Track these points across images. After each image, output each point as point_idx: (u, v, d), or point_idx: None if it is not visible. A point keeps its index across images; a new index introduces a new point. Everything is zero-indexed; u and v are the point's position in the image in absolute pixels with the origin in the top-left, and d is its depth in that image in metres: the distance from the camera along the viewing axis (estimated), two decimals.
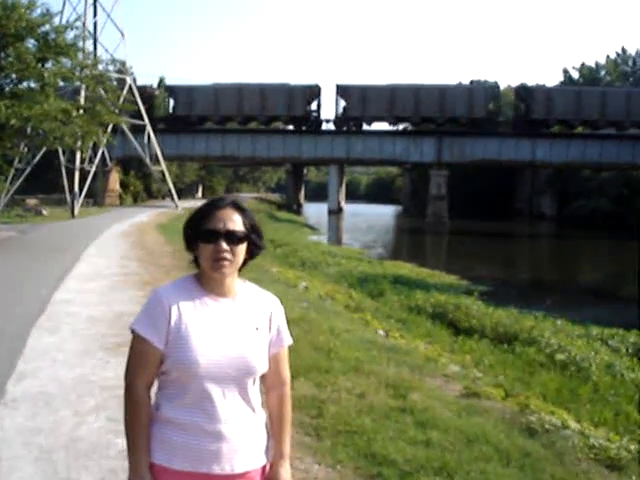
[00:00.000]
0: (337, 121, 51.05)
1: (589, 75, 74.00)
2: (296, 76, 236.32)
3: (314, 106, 51.01)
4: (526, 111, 49.34)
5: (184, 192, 60.14)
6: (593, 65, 76.32)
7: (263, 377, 2.35)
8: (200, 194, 74.11)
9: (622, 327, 14.07)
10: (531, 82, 64.80)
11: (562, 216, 60.78)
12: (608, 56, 76.33)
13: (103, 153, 43.42)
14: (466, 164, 51.28)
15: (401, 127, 54.03)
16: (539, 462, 4.72)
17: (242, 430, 2.25)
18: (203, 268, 2.27)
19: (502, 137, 48.97)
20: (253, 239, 2.29)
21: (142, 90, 50.84)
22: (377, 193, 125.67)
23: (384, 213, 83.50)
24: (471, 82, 79.43)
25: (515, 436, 5.16)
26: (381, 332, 10.18)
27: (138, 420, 2.22)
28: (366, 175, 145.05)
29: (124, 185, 52.95)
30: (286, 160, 57.50)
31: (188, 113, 50.40)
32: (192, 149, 50.14)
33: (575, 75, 76.31)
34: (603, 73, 75.06)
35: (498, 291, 21.14)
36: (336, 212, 69.15)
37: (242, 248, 2.26)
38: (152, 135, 44.23)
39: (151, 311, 2.23)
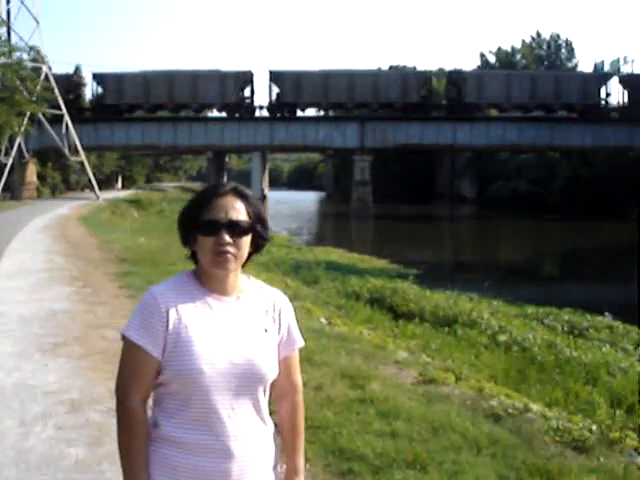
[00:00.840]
0: (271, 108, 50.54)
1: (505, 59, 75.42)
2: (228, 63, 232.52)
3: (247, 93, 50.29)
4: (458, 95, 49.80)
5: (104, 183, 58.59)
6: (509, 49, 77.91)
7: (273, 384, 2.10)
8: (120, 185, 72.48)
9: (551, 305, 14.33)
10: (449, 67, 65.39)
11: (482, 198, 61.96)
12: (523, 40, 78.02)
13: (20, 145, 41.86)
14: (389, 149, 51.61)
15: (331, 113, 53.78)
16: (509, 448, 4.63)
17: (254, 447, 2.00)
18: (202, 264, 2.02)
19: (424, 121, 49.42)
20: (258, 230, 2.04)
21: (67, 79, 49.32)
22: (300, 180, 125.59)
23: (307, 199, 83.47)
24: (390, 67, 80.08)
25: (481, 422, 5.06)
26: (323, 320, 10.02)
27: (135, 440, 1.94)
28: (288, 162, 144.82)
29: (41, 177, 51.19)
30: (208, 148, 56.69)
31: (117, 102, 48.98)
32: (111, 139, 48.83)
33: (492, 59, 77.73)
34: (519, 57, 76.64)
35: (428, 274, 21.27)
36: (260, 199, 68.59)
37: (246, 240, 2.00)
38: (70, 125, 42.90)
39: (145, 314, 1.96)
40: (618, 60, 56.09)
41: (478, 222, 50.89)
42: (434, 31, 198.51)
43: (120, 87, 48.67)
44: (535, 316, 12.96)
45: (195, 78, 48.95)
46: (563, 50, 76.40)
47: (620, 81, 50.49)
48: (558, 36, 76.60)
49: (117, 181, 72.81)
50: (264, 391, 2.04)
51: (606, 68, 58.00)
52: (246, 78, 49.60)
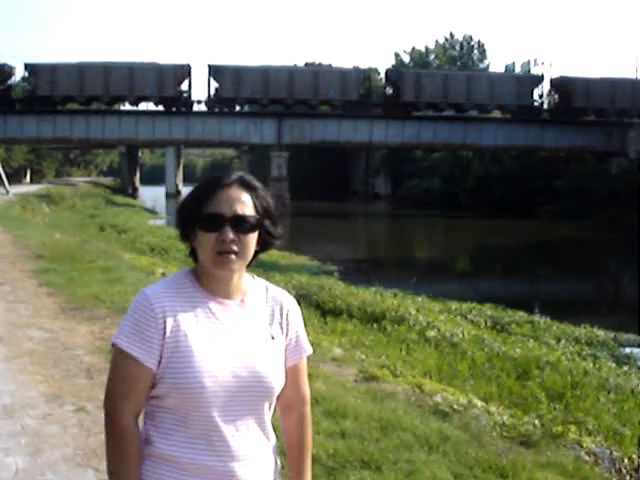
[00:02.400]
0: (209, 102, 49.73)
1: (419, 59, 76.60)
2: (167, 56, 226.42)
3: (185, 86, 49.27)
4: (396, 94, 50.08)
5: (12, 177, 56.52)
6: (423, 49, 79.20)
7: (279, 395, 1.91)
8: (28, 179, 70.10)
9: (468, 300, 14.56)
10: (364, 65, 65.89)
11: (396, 196, 62.85)
12: (437, 41, 79.49)
13: None
14: (306, 146, 51.64)
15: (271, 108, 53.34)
16: (459, 445, 4.62)
17: (258, 468, 1.82)
18: (203, 263, 1.81)
19: (340, 119, 49.62)
20: (267, 226, 1.84)
21: None
22: None
23: None
24: (305, 64, 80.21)
25: (429, 420, 5.05)
26: None
27: (125, 460, 1.75)
28: (202, 158, 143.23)
29: None
30: (122, 142, 55.45)
31: (50, 93, 47.14)
32: (21, 131, 47.09)
33: (406, 59, 78.82)
34: (433, 57, 78.01)
35: (349, 270, 21.40)
36: (174, 195, 67.90)
37: (253, 237, 1.80)
38: None
39: (139, 320, 1.75)
40: (529, 62, 57.81)
41: (393, 220, 51.54)
42: (349, 29, 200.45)
43: (53, 78, 46.86)
44: (459, 312, 13.12)
45: (132, 70, 47.56)
46: (475, 51, 78.24)
47: (551, 83, 51.93)
48: (471, 37, 78.41)
49: (25, 175, 70.42)
50: (270, 405, 1.87)
51: (517, 70, 59.60)
52: (184, 72, 48.61)
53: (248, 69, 49.42)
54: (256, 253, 1.87)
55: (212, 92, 49.33)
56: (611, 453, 5.15)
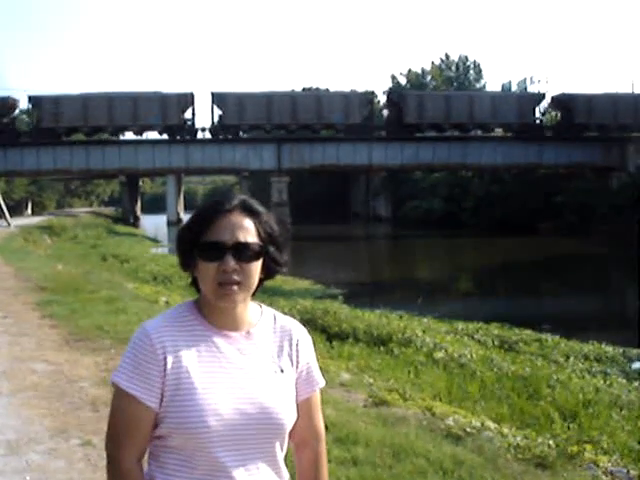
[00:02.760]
0: (213, 129, 49.94)
1: (416, 80, 76.97)
2: (169, 85, 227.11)
3: (189, 114, 49.51)
4: (398, 116, 50.24)
5: (13, 209, 56.70)
6: (419, 71, 79.58)
7: (290, 431, 1.79)
8: (30, 211, 70.22)
9: (474, 320, 14.46)
10: (360, 88, 65.92)
11: (397, 218, 62.81)
12: (433, 62, 79.88)
13: None
14: (306, 170, 51.74)
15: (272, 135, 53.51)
16: (475, 469, 4.51)
17: None
18: (205, 294, 1.71)
19: (339, 142, 49.74)
20: (271, 253, 1.73)
21: (0, 102, 47.54)
22: None
23: None
24: (303, 89, 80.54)
25: (441, 444, 4.95)
26: None
27: None
28: (202, 185, 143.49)
29: None
30: (123, 172, 55.50)
31: (54, 125, 47.42)
32: (21, 163, 47.25)
33: (403, 81, 79.18)
34: (429, 78, 78.37)
35: (353, 293, 21.28)
36: (175, 223, 67.83)
37: (257, 266, 1.70)
38: None
39: (138, 356, 1.66)
40: (525, 80, 58.06)
41: (394, 241, 51.46)
42: (345, 53, 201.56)
43: (57, 110, 47.19)
44: (466, 332, 13.02)
45: (135, 100, 47.96)
46: (471, 71, 78.63)
47: (552, 101, 52.12)
48: (466, 58, 78.85)
49: (27, 207, 70.57)
50: (282, 444, 1.75)
51: (513, 88, 59.85)
52: (187, 100, 48.90)
53: (251, 95, 49.68)
54: (261, 281, 1.76)
55: (216, 119, 49.55)
56: (628, 472, 5.04)
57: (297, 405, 1.79)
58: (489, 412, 7.17)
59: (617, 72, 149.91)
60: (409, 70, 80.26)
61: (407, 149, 49.55)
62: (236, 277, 1.66)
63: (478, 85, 76.97)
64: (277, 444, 1.73)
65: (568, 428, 6.00)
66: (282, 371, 1.76)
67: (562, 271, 29.16)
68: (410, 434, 5.09)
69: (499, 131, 51.23)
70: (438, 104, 49.41)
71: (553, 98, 51.68)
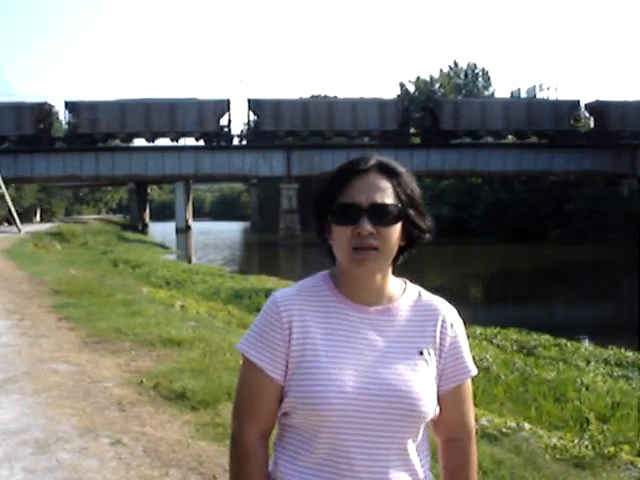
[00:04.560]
0: (249, 136, 50.07)
1: (424, 88, 76.96)
2: (205, 91, 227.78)
3: (225, 121, 49.63)
4: (434, 122, 50.26)
5: (22, 216, 56.84)
6: (428, 79, 79.58)
7: (435, 426, 1.65)
8: (38, 218, 70.39)
9: (488, 325, 14.35)
10: (367, 95, 65.79)
11: None
12: (441, 70, 79.88)
13: None
14: (315, 177, 51.68)
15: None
16: (514, 469, 4.42)
17: None
18: (340, 262, 1.59)
19: (349, 149, 49.59)
20: (412, 216, 1.58)
21: (37, 107, 47.77)
22: (223, 210, 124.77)
23: (233, 230, 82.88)
24: (311, 96, 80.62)
25: (479, 443, 4.82)
26: None
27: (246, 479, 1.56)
28: (210, 192, 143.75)
29: None
30: (132, 178, 55.54)
31: (92, 131, 47.64)
32: (31, 169, 47.34)
33: (411, 88, 79.18)
34: (438, 86, 78.36)
35: None
36: (184, 230, 67.83)
37: (395, 230, 1.56)
38: None
39: (265, 327, 1.58)
40: (534, 87, 57.91)
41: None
42: (354, 60, 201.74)
43: (94, 116, 47.42)
44: (484, 336, 12.94)
45: (172, 107, 48.30)
46: (480, 79, 78.61)
47: (586, 108, 52.06)
48: (475, 65, 78.91)
49: (36, 214, 70.73)
50: (416, 435, 1.57)
51: (522, 95, 59.70)
52: (224, 106, 49.06)
53: (288, 102, 49.87)
54: (402, 249, 1.62)
55: (252, 125, 49.67)
56: None
57: (441, 395, 1.62)
58: (516, 414, 7.06)
59: (627, 78, 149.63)
60: (417, 78, 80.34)
61: (417, 156, 49.52)
62: (373, 241, 1.53)
63: (487, 92, 76.98)
64: (409, 432, 1.55)
65: (602, 430, 5.87)
66: (421, 353, 1.59)
67: (573, 278, 29.01)
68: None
69: (534, 139, 51.08)
70: (474, 111, 49.42)
71: (587, 105, 51.64)
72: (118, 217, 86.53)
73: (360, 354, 1.55)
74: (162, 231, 69.22)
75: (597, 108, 50.53)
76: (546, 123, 49.39)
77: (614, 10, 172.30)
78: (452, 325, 1.65)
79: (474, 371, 1.67)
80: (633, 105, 49.94)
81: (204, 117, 48.15)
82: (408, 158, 49.21)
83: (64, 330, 9.34)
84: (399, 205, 1.57)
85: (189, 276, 22.58)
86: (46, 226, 49.52)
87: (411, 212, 1.59)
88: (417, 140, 51.33)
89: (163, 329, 8.78)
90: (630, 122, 48.44)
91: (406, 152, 49.25)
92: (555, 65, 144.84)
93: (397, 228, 1.57)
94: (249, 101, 49.35)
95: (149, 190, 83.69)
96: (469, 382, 1.67)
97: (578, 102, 51.85)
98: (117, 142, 50.99)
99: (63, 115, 52.86)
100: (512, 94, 64.40)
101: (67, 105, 49.08)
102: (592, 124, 52.82)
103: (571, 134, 50.83)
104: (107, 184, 75.14)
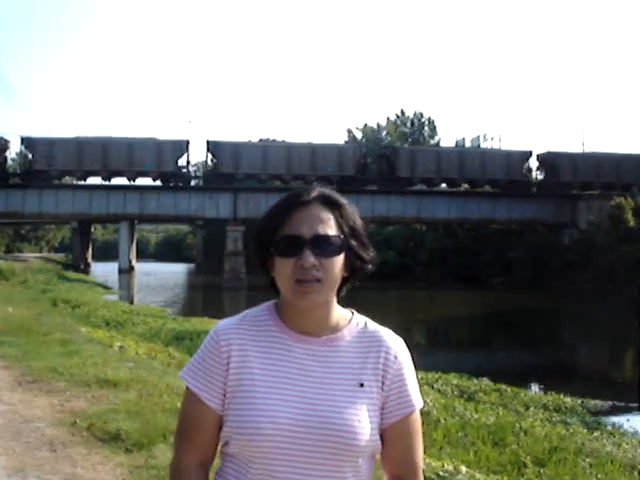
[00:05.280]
0: (207, 177, 49.76)
1: (371, 135, 78.11)
2: (164, 131, 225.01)
3: (183, 161, 49.32)
4: (390, 169, 50.80)
5: None
6: (375, 126, 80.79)
7: (381, 461, 1.60)
8: None
9: (435, 370, 14.42)
10: (318, 141, 66.64)
11: None
12: (388, 118, 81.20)
13: None
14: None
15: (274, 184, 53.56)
16: None
17: None
18: (283, 294, 1.59)
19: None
20: (354, 247, 1.59)
21: None
22: (167, 251, 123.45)
23: (177, 271, 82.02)
24: (259, 140, 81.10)
25: None
26: None
27: None
28: (155, 233, 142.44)
29: None
30: (75, 217, 54.76)
31: (48, 168, 46.71)
32: None
33: (359, 135, 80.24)
34: (384, 133, 79.57)
35: None
36: (127, 271, 66.89)
37: (338, 261, 1.55)
38: None
39: (206, 356, 1.58)
40: (478, 137, 59.33)
41: (348, 293, 51.31)
42: (301, 105, 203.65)
43: (51, 152, 46.61)
44: (425, 381, 12.93)
45: (130, 146, 47.76)
46: (426, 127, 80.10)
47: (537, 158, 53.33)
48: (421, 114, 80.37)
49: None
50: (355, 470, 1.52)
51: (467, 144, 61.05)
52: (182, 147, 48.76)
53: (247, 145, 50.06)
54: (345, 280, 1.62)
55: (209, 167, 49.64)
56: None
57: (385, 429, 1.57)
58: (455, 459, 7.07)
59: (568, 130, 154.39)
60: (365, 125, 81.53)
61: (362, 202, 49.90)
62: (316, 273, 1.52)
63: (432, 141, 78.31)
64: (347, 468, 1.52)
65: (539, 474, 5.91)
66: (362, 385, 1.56)
67: (514, 325, 29.41)
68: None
69: (488, 187, 52.17)
70: (429, 159, 50.26)
71: (538, 156, 53.00)
72: (60, 256, 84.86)
73: (298, 385, 1.54)
74: (105, 271, 68.11)
75: (548, 159, 51.97)
76: (499, 172, 50.58)
77: (557, 64, 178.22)
78: (396, 357, 1.62)
79: (419, 405, 1.62)
80: (583, 156, 51.62)
81: (162, 157, 47.95)
82: (354, 203, 49.10)
83: None
84: (341, 236, 1.57)
85: (130, 317, 22.21)
86: None
87: (353, 243, 1.59)
88: (374, 187, 51.84)
89: (100, 369, 8.61)
90: (580, 173, 49.96)
91: (352, 197, 49.10)
92: (498, 115, 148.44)
93: (340, 259, 1.57)
94: (208, 143, 49.41)
95: (93, 229, 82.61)
96: (416, 416, 1.62)
97: (530, 153, 53.32)
98: (74, 180, 50.41)
99: (18, 151, 52.28)
100: (457, 143, 65.88)
101: (23, 141, 48.41)
102: (543, 174, 54.23)
103: (523, 184, 52.10)
104: (50, 222, 73.92)
